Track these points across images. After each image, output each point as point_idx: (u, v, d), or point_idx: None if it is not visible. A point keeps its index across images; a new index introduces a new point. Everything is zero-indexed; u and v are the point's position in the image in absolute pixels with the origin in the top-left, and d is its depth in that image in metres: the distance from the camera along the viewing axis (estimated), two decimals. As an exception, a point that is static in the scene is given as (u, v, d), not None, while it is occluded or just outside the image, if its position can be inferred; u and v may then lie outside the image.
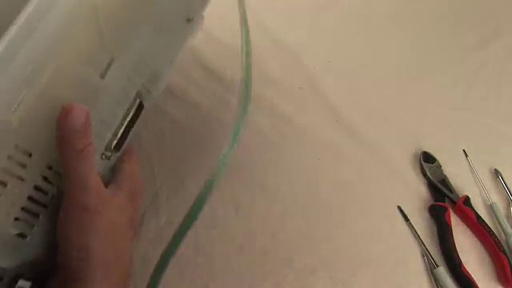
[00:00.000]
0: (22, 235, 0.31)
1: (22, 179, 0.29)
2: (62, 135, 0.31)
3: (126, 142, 0.39)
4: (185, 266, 0.50)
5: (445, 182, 0.55)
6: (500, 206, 0.54)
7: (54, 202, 0.32)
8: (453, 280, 0.49)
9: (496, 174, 0.56)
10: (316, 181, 0.55)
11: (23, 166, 0.29)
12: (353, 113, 0.59)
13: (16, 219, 0.30)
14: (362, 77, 0.62)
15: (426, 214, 0.54)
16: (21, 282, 0.31)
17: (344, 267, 0.50)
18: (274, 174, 0.56)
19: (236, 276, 0.50)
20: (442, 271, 0.49)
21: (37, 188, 0.31)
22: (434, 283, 0.49)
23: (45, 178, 0.31)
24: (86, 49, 0.32)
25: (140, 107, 0.39)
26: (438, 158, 0.57)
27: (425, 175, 0.56)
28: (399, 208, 0.54)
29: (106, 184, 0.36)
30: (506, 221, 0.52)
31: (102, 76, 0.34)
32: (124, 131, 0.38)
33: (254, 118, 0.56)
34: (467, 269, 0.49)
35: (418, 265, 0.50)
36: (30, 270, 0.32)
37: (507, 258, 0.49)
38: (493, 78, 0.65)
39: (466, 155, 0.58)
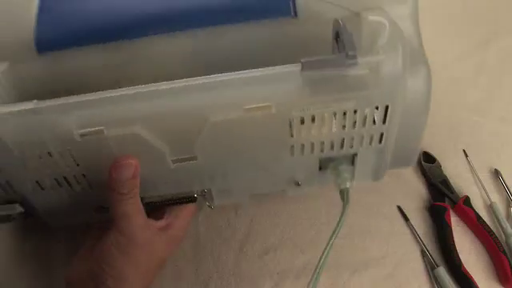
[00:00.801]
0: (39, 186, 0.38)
1: (60, 169, 0.37)
2: (110, 180, 0.36)
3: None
4: (185, 265, 0.50)
5: (445, 182, 0.55)
6: (500, 206, 0.54)
7: (72, 193, 0.39)
8: (453, 280, 0.49)
9: (496, 174, 0.56)
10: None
11: (67, 165, 0.36)
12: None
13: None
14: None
15: (426, 214, 0.54)
16: (17, 205, 0.40)
17: (344, 267, 0.50)
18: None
19: (236, 276, 0.50)
20: (442, 271, 0.49)
21: (65, 178, 0.38)
22: (434, 283, 0.49)
23: (75, 177, 0.38)
24: (179, 136, 0.36)
25: (193, 199, 0.42)
26: (437, 158, 0.57)
27: (425, 175, 0.56)
28: (399, 208, 0.54)
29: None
30: (506, 221, 0.52)
31: (174, 162, 0.38)
32: (161, 204, 0.42)
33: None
34: (467, 269, 0.49)
35: (418, 265, 0.50)
36: (28, 207, 0.41)
37: (507, 257, 0.49)
38: (493, 77, 0.65)
39: (466, 155, 0.58)
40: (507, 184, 0.55)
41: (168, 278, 0.49)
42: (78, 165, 0.37)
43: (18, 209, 0.40)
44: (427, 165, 0.56)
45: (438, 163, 0.56)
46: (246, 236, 0.52)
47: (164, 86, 0.33)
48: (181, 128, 0.35)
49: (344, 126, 0.37)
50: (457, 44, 0.68)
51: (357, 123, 0.37)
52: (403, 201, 0.54)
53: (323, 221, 0.53)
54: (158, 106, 0.34)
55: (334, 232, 0.39)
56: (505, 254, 0.50)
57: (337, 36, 0.35)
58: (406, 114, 0.38)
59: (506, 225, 0.52)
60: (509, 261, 0.49)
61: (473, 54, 0.67)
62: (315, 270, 0.38)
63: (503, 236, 0.52)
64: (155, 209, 0.41)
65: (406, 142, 0.41)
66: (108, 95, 0.33)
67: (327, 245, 0.39)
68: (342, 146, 0.39)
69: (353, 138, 0.39)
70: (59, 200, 0.40)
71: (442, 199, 0.54)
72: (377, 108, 0.36)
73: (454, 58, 0.66)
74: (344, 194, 0.41)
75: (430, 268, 0.50)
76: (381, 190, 0.55)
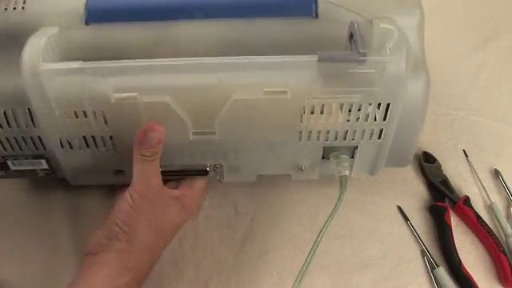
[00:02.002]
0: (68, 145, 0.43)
1: (91, 129, 0.41)
2: (137, 142, 0.40)
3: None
4: (185, 265, 0.50)
5: (445, 182, 0.55)
6: (500, 206, 0.54)
7: (98, 153, 0.44)
8: (453, 280, 0.49)
9: (496, 174, 0.56)
10: (316, 180, 0.55)
11: (98, 126, 0.41)
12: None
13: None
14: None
15: (426, 214, 0.54)
16: (43, 161, 0.45)
17: (344, 267, 0.50)
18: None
19: (236, 276, 0.50)
20: (442, 271, 0.49)
21: (93, 139, 0.42)
22: (434, 283, 0.49)
23: (102, 138, 0.42)
24: (203, 110, 0.40)
25: (205, 172, 0.46)
26: (438, 158, 0.57)
27: (425, 175, 0.56)
28: (399, 208, 0.54)
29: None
30: (506, 221, 0.52)
31: (194, 134, 0.42)
32: (175, 174, 0.46)
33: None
34: (467, 269, 0.49)
35: (417, 265, 0.50)
36: (52, 165, 0.46)
37: (507, 258, 0.49)
38: (493, 77, 0.65)
39: (466, 155, 0.58)
40: (507, 184, 0.55)
41: (168, 277, 0.49)
42: (107, 126, 0.41)
43: (43, 165, 0.45)
44: (427, 165, 0.56)
45: (438, 163, 0.56)
46: (246, 236, 0.52)
47: (194, 61, 0.38)
48: (205, 102, 0.40)
49: (349, 120, 0.41)
50: (457, 44, 0.68)
51: (360, 117, 0.41)
52: (403, 201, 0.54)
53: (323, 221, 0.53)
54: (187, 80, 0.39)
55: (330, 215, 0.42)
56: (505, 254, 0.50)
57: (351, 36, 0.39)
58: (404, 116, 0.41)
59: (506, 225, 0.52)
60: (509, 261, 0.49)
61: (473, 53, 0.67)
62: (315, 242, 0.41)
63: (503, 236, 0.52)
64: (169, 178, 0.44)
65: (402, 142, 0.45)
66: (144, 63, 0.38)
67: (324, 226, 0.42)
68: (345, 137, 0.43)
69: (355, 131, 0.42)
70: (84, 160, 0.44)
71: (442, 199, 0.54)
72: (379, 106, 0.40)
73: (454, 58, 0.66)
74: (343, 181, 0.44)
75: (430, 268, 0.50)
76: (381, 190, 0.55)
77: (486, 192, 0.55)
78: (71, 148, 0.43)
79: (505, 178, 0.56)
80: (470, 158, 0.57)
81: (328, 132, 0.42)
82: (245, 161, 0.46)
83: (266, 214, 0.53)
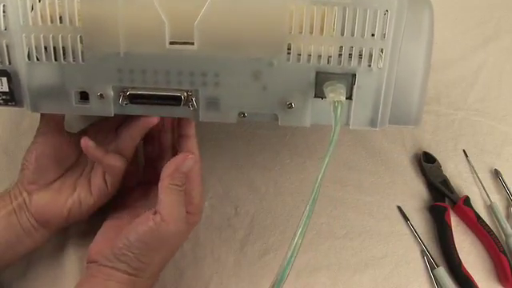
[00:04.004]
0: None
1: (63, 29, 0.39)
2: (169, 173, 0.40)
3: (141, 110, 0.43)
4: (185, 265, 0.50)
5: (445, 182, 0.55)
6: (500, 206, 0.54)
7: (65, 66, 0.41)
8: (453, 280, 0.49)
9: (496, 174, 0.56)
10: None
11: (70, 24, 0.39)
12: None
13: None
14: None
15: (426, 214, 0.54)
16: (5, 80, 0.42)
17: (344, 267, 0.50)
18: (273, 173, 0.56)
19: (236, 276, 0.50)
20: (442, 271, 0.49)
21: (72, 48, 0.40)
22: (434, 283, 0.49)
23: (71, 43, 0.40)
24: (183, 9, 0.38)
25: (178, 99, 0.41)
26: (438, 158, 0.57)
27: (425, 175, 0.56)
28: (399, 208, 0.54)
29: None
30: (506, 221, 0.52)
31: (171, 43, 0.39)
32: (144, 100, 0.42)
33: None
34: (467, 269, 0.49)
35: (418, 265, 0.50)
36: (14, 86, 0.42)
37: (507, 258, 0.49)
38: (493, 77, 0.65)
39: (466, 155, 0.58)
40: (507, 184, 0.55)
41: (169, 278, 0.49)
42: (79, 24, 0.39)
43: (4, 86, 0.42)
44: (427, 165, 0.56)
45: (438, 163, 0.56)
46: (246, 236, 0.52)
47: None
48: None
49: (343, 33, 0.37)
50: (457, 44, 0.68)
51: (356, 28, 0.37)
52: (403, 201, 0.54)
53: (323, 221, 0.53)
54: None
55: (326, 155, 0.36)
56: (505, 254, 0.50)
57: None
58: (407, 50, 0.38)
59: (506, 225, 0.52)
60: (509, 261, 0.49)
61: (473, 53, 0.67)
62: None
63: (503, 236, 0.52)
64: (135, 112, 0.42)
65: (408, 85, 0.40)
66: None
67: (320, 172, 0.38)
68: (340, 62, 0.38)
69: (351, 49, 0.38)
70: (49, 77, 0.41)
71: (442, 199, 0.54)
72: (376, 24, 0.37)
73: (454, 58, 0.66)
74: (337, 109, 0.36)
75: (430, 268, 0.50)
76: (381, 190, 0.55)
77: (486, 192, 0.55)
78: (37, 60, 0.40)
79: (505, 178, 0.56)
80: (470, 158, 0.57)
81: (320, 52, 0.38)
82: (225, 90, 0.41)
83: (265, 214, 0.53)
